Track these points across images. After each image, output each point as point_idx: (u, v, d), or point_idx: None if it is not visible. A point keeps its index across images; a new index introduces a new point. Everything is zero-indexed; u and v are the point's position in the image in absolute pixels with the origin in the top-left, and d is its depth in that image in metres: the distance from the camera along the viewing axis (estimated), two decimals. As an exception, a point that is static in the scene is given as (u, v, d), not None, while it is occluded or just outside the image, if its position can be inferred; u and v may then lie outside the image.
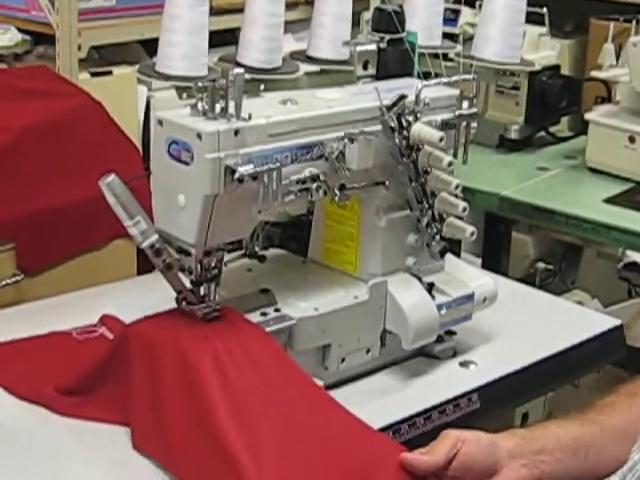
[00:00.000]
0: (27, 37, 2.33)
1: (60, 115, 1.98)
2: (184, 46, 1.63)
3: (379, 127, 1.50)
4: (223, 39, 2.05)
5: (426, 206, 1.56)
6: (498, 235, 2.72)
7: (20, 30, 2.33)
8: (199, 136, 1.32)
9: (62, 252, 1.91)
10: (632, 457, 1.27)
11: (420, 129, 1.50)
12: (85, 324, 1.59)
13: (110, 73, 2.34)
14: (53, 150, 1.92)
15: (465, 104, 1.61)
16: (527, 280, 2.98)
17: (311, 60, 1.91)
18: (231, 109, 1.35)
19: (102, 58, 2.43)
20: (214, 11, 2.39)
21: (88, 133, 1.98)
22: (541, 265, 3.20)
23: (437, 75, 1.67)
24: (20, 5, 2.36)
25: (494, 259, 2.69)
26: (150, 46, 2.01)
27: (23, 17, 2.36)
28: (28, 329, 1.58)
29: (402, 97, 1.50)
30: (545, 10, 2.51)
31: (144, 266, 1.65)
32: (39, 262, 1.87)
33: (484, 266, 2.57)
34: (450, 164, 1.52)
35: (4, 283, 1.78)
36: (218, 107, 1.35)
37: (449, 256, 1.64)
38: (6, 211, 1.81)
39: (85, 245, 1.91)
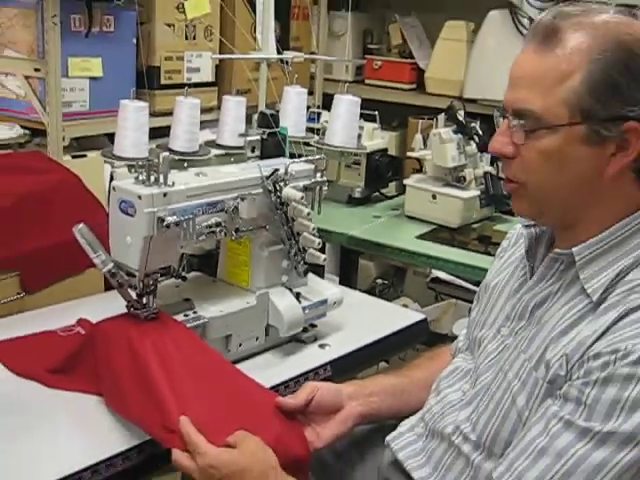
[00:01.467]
0: (27, 132, 2.31)
1: (49, 185, 1.95)
2: (131, 138, 1.65)
3: (261, 190, 1.52)
4: (161, 132, 2.06)
5: (294, 242, 1.58)
6: (349, 261, 2.74)
7: (22, 127, 2.31)
8: (139, 197, 1.34)
9: (52, 277, 1.88)
10: (429, 401, 1.31)
11: (288, 191, 1.53)
12: (67, 325, 1.57)
13: (85, 156, 2.34)
14: (44, 208, 1.90)
15: (318, 175, 1.63)
16: (371, 291, 3.02)
17: (219, 146, 1.92)
18: (161, 179, 1.36)
19: (80, 146, 2.42)
20: (155, 114, 2.41)
21: (68, 196, 1.96)
22: (379, 281, 3.21)
23: (300, 156, 1.69)
24: (22, 109, 2.34)
25: (347, 277, 2.70)
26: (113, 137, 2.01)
27: (24, 118, 2.34)
28: (28, 329, 1.56)
29: (276, 170, 1.53)
30: (376, 112, 2.56)
31: (108, 285, 1.64)
32: (35, 285, 1.84)
33: (341, 282, 2.57)
34: (309, 214, 1.55)
35: (11, 299, 1.76)
36: (152, 178, 1.36)
37: (311, 275, 1.66)
38: (12, 251, 1.79)
39: (68, 272, 1.87)
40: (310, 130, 2.11)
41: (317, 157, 1.65)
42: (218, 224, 1.44)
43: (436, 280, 2.92)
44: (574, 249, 1.10)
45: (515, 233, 1.34)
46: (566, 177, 1.08)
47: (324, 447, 1.31)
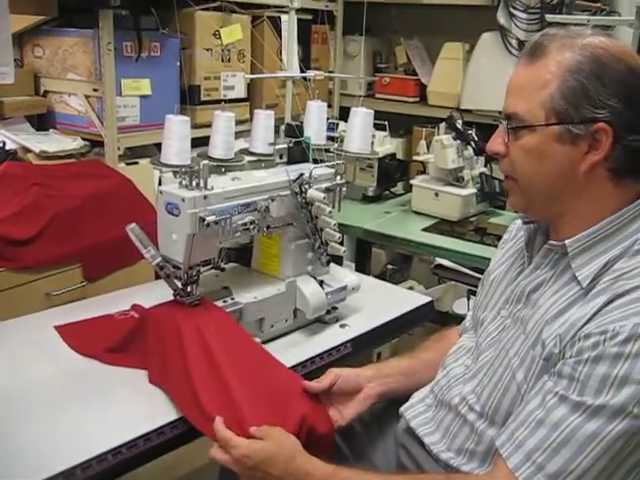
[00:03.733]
0: (87, 143, 2.29)
1: (106, 188, 1.95)
2: (175, 148, 1.60)
3: (288, 192, 1.48)
4: (202, 141, 2.02)
5: (317, 237, 1.54)
6: (364, 250, 2.70)
7: (83, 139, 2.30)
8: (183, 199, 1.30)
9: (109, 268, 1.87)
10: (437, 376, 1.28)
11: (312, 192, 1.49)
12: (122, 309, 1.54)
13: (137, 163, 2.33)
14: (102, 208, 1.88)
15: (338, 177, 1.59)
16: (382, 276, 3.00)
17: (251, 154, 1.87)
18: (202, 183, 1.33)
19: (132, 154, 2.40)
20: (197, 126, 2.39)
21: (123, 198, 1.95)
22: (390, 267, 3.18)
23: (322, 161, 1.65)
24: (83, 124, 2.33)
25: (362, 263, 2.67)
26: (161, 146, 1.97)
27: (85, 131, 2.33)
28: (89, 314, 1.54)
29: (301, 174, 1.49)
30: (386, 122, 2.51)
31: (158, 275, 1.61)
32: (95, 275, 1.84)
33: (356, 269, 2.55)
34: (330, 212, 1.51)
35: (75, 287, 1.76)
36: (194, 182, 1.32)
37: (332, 265, 1.62)
38: (76, 245, 1.79)
39: (123, 263, 1.88)
40: (330, 138, 2.07)
41: (337, 162, 1.61)
42: (252, 222, 1.41)
43: (439, 267, 2.87)
44: (567, 241, 1.07)
45: (515, 227, 1.30)
46: (545, 171, 1.05)
47: (347, 424, 1.27)
